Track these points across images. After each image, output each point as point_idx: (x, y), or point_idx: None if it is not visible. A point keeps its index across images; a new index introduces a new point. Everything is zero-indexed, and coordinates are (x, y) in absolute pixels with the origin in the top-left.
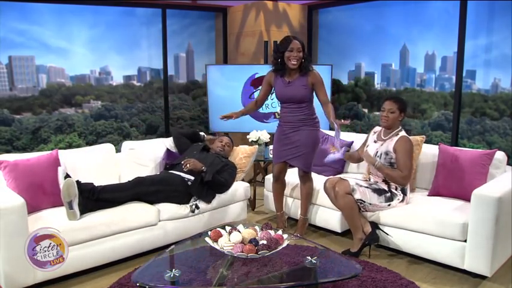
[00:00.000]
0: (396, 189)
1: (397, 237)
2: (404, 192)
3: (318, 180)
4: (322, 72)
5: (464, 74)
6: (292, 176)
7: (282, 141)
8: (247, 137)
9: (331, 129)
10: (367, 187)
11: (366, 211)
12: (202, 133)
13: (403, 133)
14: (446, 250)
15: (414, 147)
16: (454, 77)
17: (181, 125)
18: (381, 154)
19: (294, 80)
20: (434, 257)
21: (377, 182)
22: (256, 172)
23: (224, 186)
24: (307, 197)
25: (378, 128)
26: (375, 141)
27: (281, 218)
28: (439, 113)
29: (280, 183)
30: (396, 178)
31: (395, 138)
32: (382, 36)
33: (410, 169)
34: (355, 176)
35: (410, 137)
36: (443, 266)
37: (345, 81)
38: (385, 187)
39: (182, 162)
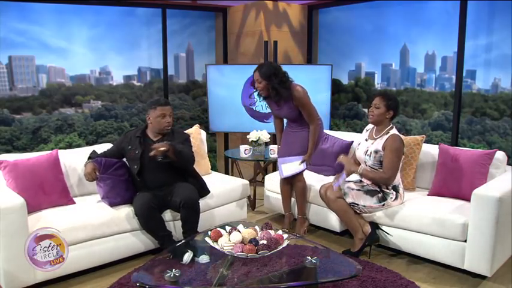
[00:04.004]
0: (387, 188)
1: (397, 237)
2: (396, 190)
3: (318, 180)
4: (323, 72)
5: (464, 74)
6: None
7: (283, 140)
8: (248, 136)
9: (331, 128)
10: (358, 189)
11: (362, 213)
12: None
13: (393, 131)
14: (446, 250)
15: (414, 147)
16: (454, 77)
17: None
18: (371, 153)
19: (282, 104)
20: (434, 257)
21: (368, 183)
22: (256, 172)
23: (191, 158)
24: (301, 196)
25: (370, 126)
26: (366, 140)
27: (288, 219)
28: (439, 113)
29: (286, 183)
30: (379, 180)
31: (386, 137)
32: (382, 36)
33: (394, 169)
34: (355, 176)
35: (410, 137)
36: (443, 266)
37: (345, 81)
38: (376, 187)
39: (151, 154)
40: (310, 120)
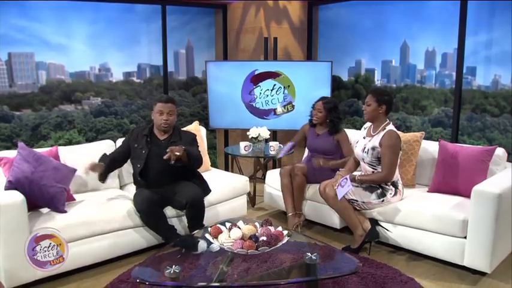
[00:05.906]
0: (386, 184)
1: (397, 234)
2: (395, 186)
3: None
4: (323, 69)
5: (464, 71)
6: None
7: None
8: (247, 133)
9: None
10: (357, 186)
11: (361, 210)
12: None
13: (389, 127)
14: (446, 246)
15: (413, 144)
16: (454, 74)
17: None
18: (368, 150)
19: (322, 135)
20: (434, 254)
21: None
22: (256, 168)
23: (199, 160)
24: (299, 191)
25: (368, 124)
26: (364, 137)
27: (293, 218)
28: (439, 110)
29: (286, 179)
30: (378, 180)
31: (382, 133)
32: (382, 33)
33: (392, 165)
34: (354, 172)
35: (409, 133)
36: (443, 262)
37: (345, 77)
38: (375, 184)
39: (165, 157)
40: (348, 155)
